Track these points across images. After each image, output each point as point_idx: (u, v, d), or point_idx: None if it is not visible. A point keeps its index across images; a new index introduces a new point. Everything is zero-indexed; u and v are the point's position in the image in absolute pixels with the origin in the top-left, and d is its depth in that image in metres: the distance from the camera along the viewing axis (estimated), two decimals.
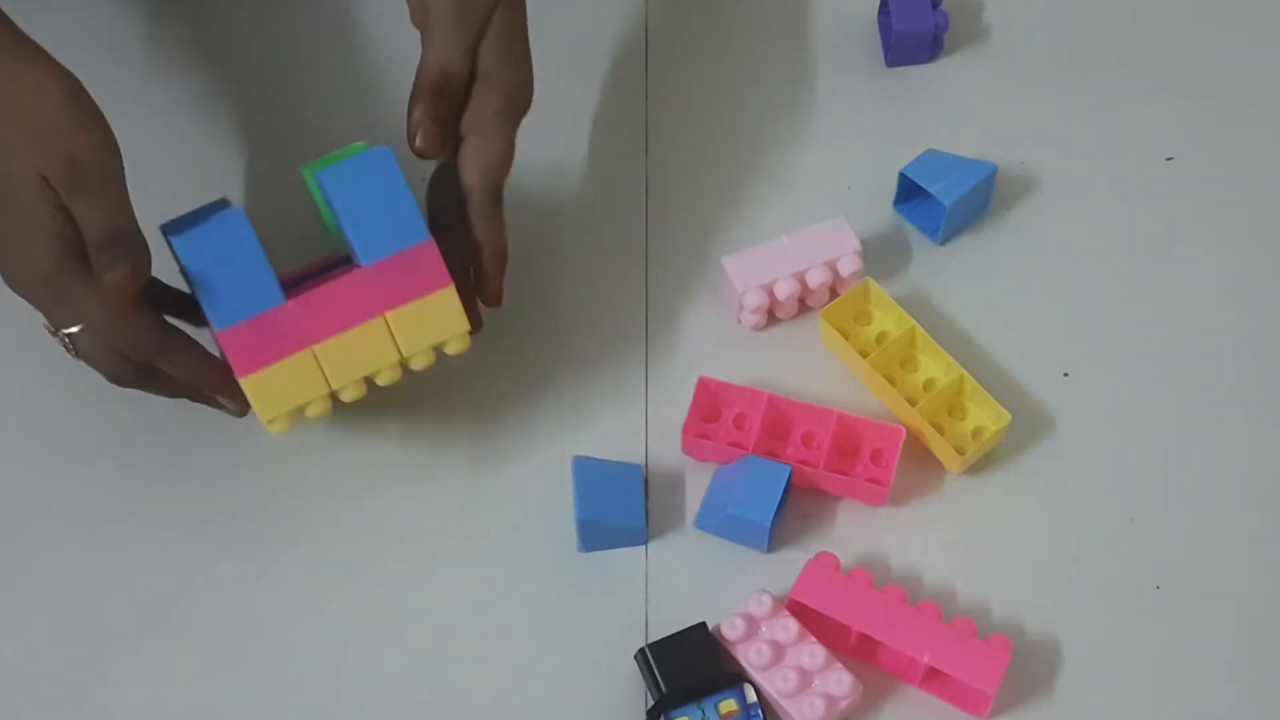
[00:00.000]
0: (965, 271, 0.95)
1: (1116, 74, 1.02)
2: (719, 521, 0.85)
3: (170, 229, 0.80)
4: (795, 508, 0.87)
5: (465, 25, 0.84)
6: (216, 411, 0.86)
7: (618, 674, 0.83)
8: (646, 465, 0.89)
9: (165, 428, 0.89)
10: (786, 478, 0.85)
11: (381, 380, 0.82)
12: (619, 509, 0.86)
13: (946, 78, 1.02)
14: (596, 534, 0.85)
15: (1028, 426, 0.89)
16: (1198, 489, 0.88)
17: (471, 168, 0.84)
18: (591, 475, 0.85)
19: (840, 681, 0.80)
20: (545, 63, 0.95)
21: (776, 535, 0.86)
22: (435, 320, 0.82)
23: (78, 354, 0.80)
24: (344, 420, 0.90)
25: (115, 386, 0.82)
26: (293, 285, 0.81)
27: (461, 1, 0.83)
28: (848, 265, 0.91)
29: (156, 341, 0.80)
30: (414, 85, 0.84)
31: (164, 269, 0.81)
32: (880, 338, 0.91)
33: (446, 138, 0.84)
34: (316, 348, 0.80)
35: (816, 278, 0.91)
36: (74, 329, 0.79)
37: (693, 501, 0.88)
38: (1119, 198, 0.98)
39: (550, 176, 0.97)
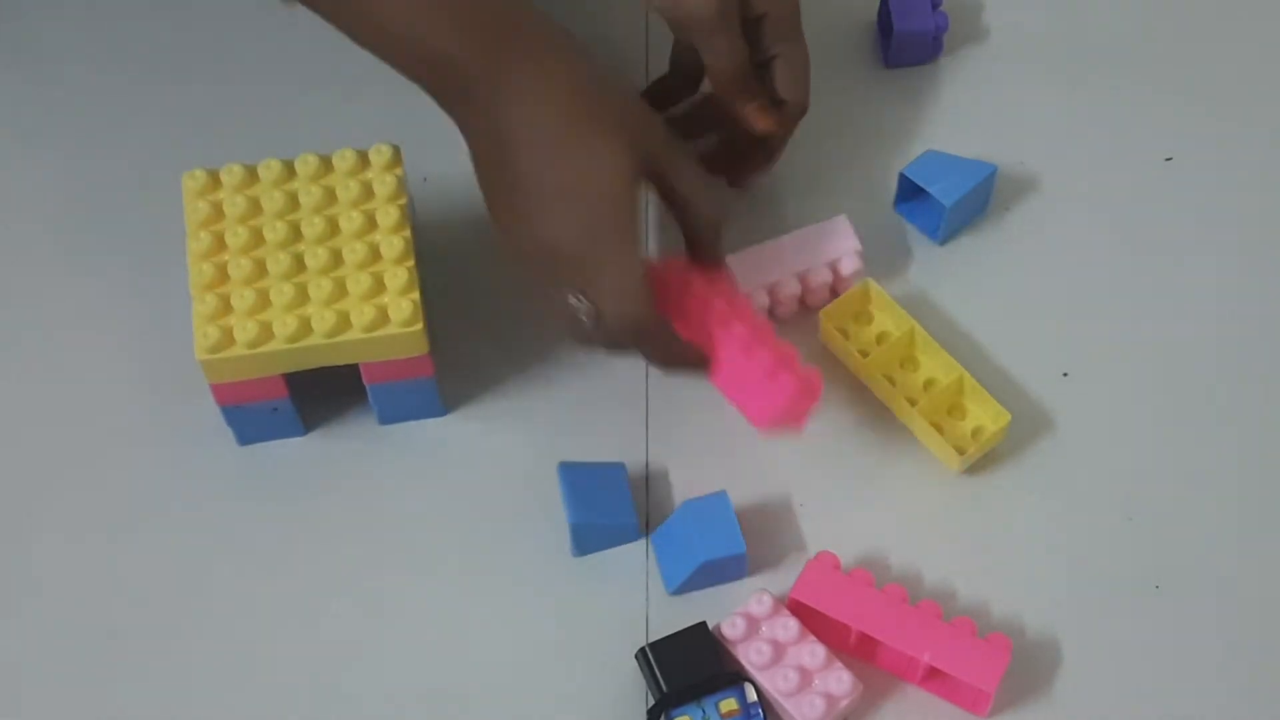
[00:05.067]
0: (965, 271, 0.95)
1: (1116, 74, 1.02)
2: (694, 574, 0.84)
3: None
4: (791, 501, 0.87)
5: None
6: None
7: (618, 674, 0.83)
8: (647, 465, 0.89)
9: (166, 429, 0.89)
10: (729, 503, 0.85)
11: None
12: (609, 508, 0.86)
13: (946, 78, 1.02)
14: (590, 536, 0.86)
15: (1028, 426, 0.89)
16: (1198, 489, 0.88)
17: (789, 86, 0.90)
18: (578, 479, 0.86)
19: (840, 680, 0.80)
20: None
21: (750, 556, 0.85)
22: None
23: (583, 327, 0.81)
24: (344, 422, 0.90)
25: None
26: None
27: None
28: (848, 265, 0.91)
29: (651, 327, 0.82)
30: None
31: None
32: (880, 338, 0.91)
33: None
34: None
35: (817, 277, 0.91)
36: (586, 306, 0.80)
37: None
38: (1119, 198, 0.98)
39: None
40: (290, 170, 0.86)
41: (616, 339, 0.82)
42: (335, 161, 0.87)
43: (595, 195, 0.79)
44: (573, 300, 0.80)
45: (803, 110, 0.92)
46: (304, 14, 1.03)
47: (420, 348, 0.85)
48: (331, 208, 0.86)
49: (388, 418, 0.90)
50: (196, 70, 1.01)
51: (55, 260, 0.95)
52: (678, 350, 0.84)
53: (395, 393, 0.88)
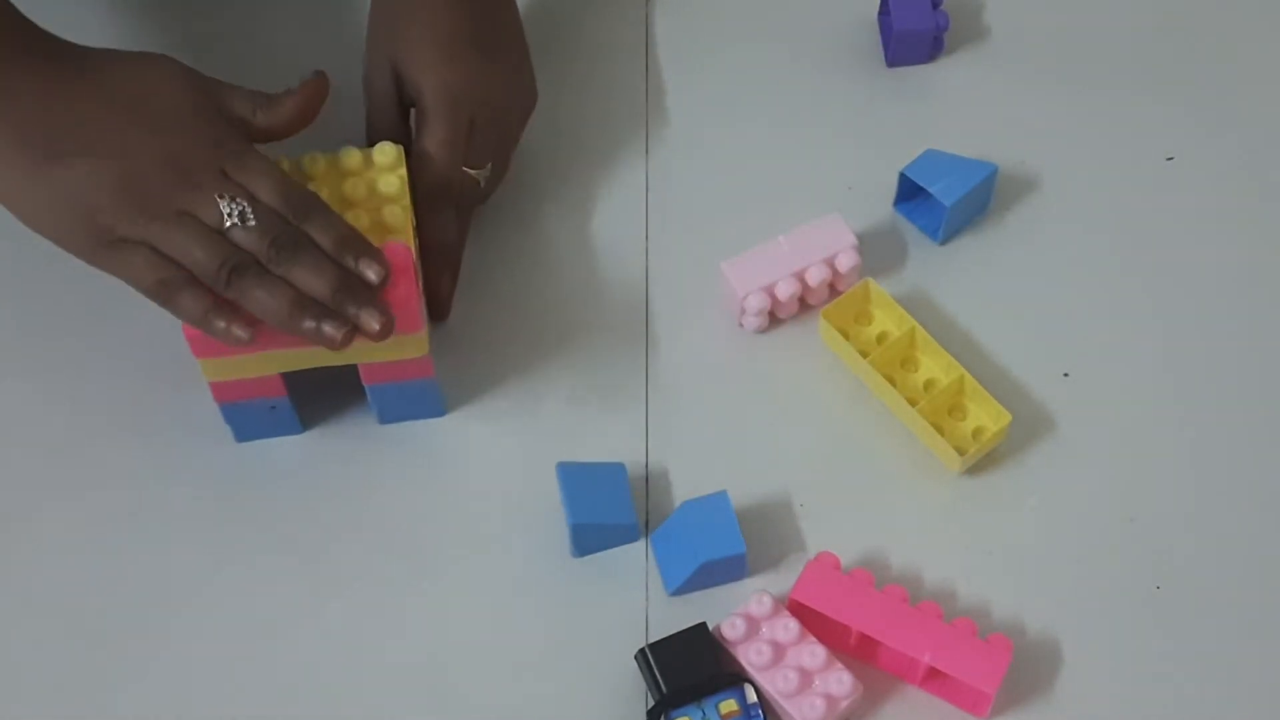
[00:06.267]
0: (965, 271, 0.95)
1: (1116, 74, 1.02)
2: (694, 575, 0.84)
3: None
4: (791, 501, 0.87)
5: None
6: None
7: (618, 674, 0.83)
8: (647, 465, 0.89)
9: (166, 429, 0.89)
10: (729, 503, 0.85)
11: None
12: (608, 509, 0.85)
13: (946, 78, 1.02)
14: (590, 536, 0.85)
15: (1028, 426, 0.89)
16: (1198, 489, 0.88)
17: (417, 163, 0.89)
18: (577, 479, 0.85)
19: (841, 681, 0.80)
20: (546, 63, 0.96)
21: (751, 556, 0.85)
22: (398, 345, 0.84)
23: (252, 225, 0.79)
24: (342, 421, 0.90)
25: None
26: None
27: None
28: (846, 260, 0.91)
29: (311, 194, 0.81)
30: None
31: None
32: (881, 338, 0.91)
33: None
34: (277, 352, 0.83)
35: (816, 275, 0.91)
36: (239, 206, 0.79)
37: None
38: (1119, 198, 0.98)
39: (550, 177, 0.97)
40: (298, 168, 0.86)
41: (290, 215, 0.80)
42: (342, 160, 0.86)
43: (174, 105, 0.81)
44: (222, 205, 0.79)
45: (435, 246, 0.90)
46: (306, 11, 1.04)
47: (420, 349, 0.85)
48: (339, 207, 0.85)
49: (388, 417, 0.89)
50: (199, 68, 1.01)
51: (54, 256, 0.95)
52: (349, 229, 0.81)
53: (395, 393, 0.88)
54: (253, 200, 0.79)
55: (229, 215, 0.79)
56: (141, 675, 0.84)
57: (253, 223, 0.79)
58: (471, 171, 0.90)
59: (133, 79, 0.81)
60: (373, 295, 0.80)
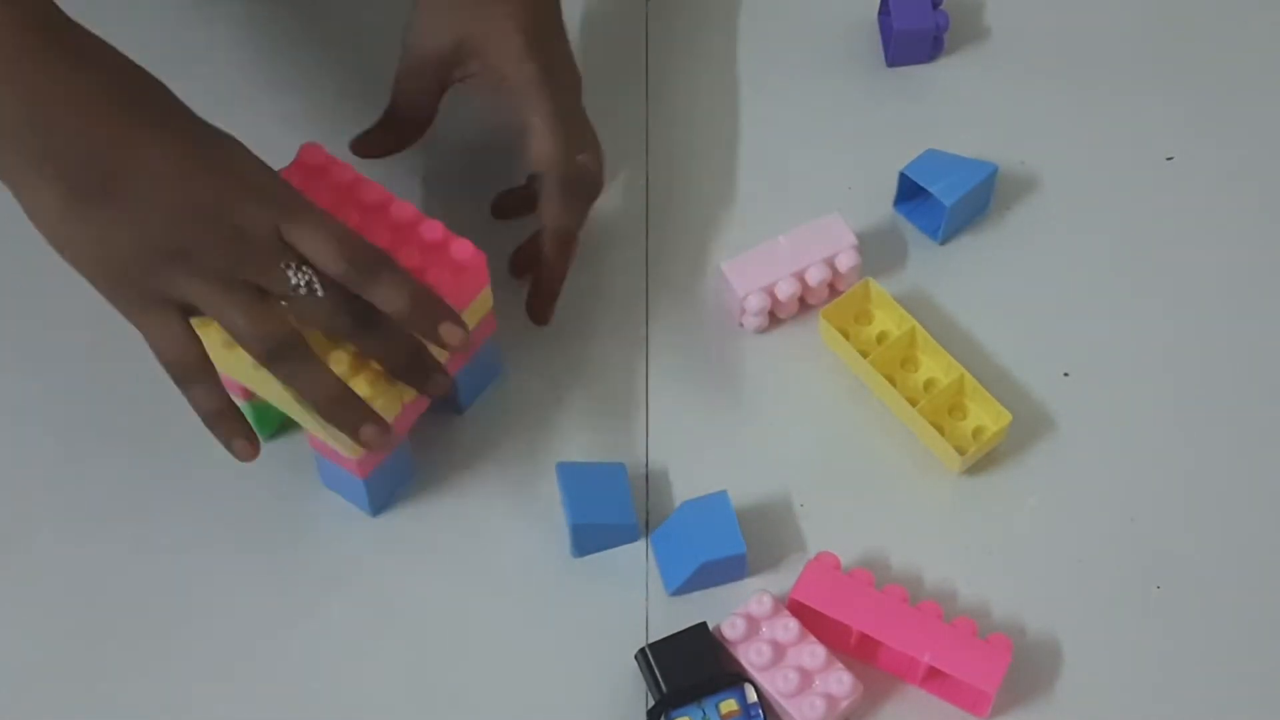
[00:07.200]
0: (965, 271, 0.95)
1: (1116, 74, 1.02)
2: (694, 575, 0.84)
3: None
4: (791, 501, 0.87)
5: None
6: None
7: (618, 674, 0.83)
8: (647, 465, 0.89)
9: (166, 429, 0.89)
10: (729, 503, 0.85)
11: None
12: (609, 509, 0.85)
13: (946, 78, 1.02)
14: (590, 537, 0.85)
15: (1028, 426, 0.89)
16: (1198, 489, 0.88)
17: (544, 210, 0.88)
18: (577, 479, 0.85)
19: (841, 681, 0.80)
20: None
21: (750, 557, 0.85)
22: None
23: (316, 302, 0.74)
24: None
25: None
26: None
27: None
28: (846, 261, 0.91)
29: (379, 253, 0.75)
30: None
31: None
32: (881, 337, 0.91)
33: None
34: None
35: (816, 275, 0.91)
36: (306, 277, 0.73)
37: None
38: (1119, 198, 0.98)
39: None
40: None
41: (356, 280, 0.74)
42: None
43: (232, 143, 0.75)
44: (290, 274, 0.73)
45: (564, 233, 0.88)
46: (303, 13, 1.03)
47: (488, 303, 0.85)
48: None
49: (468, 399, 0.89)
50: (199, 68, 1.01)
51: (55, 256, 0.95)
52: (421, 288, 0.76)
53: (473, 367, 0.87)
54: (313, 266, 0.73)
55: (297, 285, 0.73)
56: (141, 675, 0.84)
57: (320, 293, 0.73)
58: (581, 159, 0.89)
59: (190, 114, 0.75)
60: (436, 369, 0.79)
